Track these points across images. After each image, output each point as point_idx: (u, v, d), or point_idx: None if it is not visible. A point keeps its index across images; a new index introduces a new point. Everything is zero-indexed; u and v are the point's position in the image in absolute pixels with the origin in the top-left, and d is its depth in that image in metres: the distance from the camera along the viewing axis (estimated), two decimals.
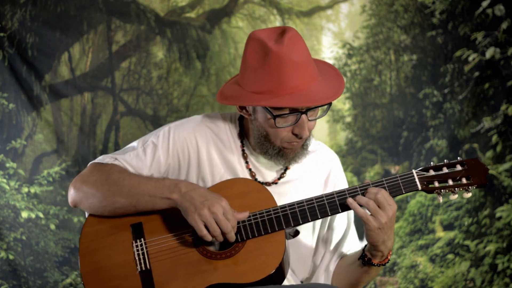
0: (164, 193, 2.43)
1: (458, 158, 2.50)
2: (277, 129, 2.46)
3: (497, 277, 4.81)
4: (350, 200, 2.42)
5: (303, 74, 2.40)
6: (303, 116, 2.43)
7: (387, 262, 2.53)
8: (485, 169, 2.47)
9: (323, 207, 2.45)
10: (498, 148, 4.82)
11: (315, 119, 2.49)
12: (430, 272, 4.90)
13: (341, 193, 2.46)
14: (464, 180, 2.46)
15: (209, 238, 2.38)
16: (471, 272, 4.85)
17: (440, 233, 4.92)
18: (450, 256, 4.89)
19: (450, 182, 2.46)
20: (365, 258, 2.51)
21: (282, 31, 2.44)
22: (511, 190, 4.80)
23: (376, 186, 2.46)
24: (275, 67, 2.38)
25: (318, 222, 2.66)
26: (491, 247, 4.81)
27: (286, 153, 2.52)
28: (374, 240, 2.43)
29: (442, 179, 2.47)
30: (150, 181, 2.47)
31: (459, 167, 2.47)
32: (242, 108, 2.54)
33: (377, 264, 2.50)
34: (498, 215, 4.81)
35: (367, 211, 2.42)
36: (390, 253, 2.52)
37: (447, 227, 4.91)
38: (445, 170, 2.47)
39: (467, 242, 4.87)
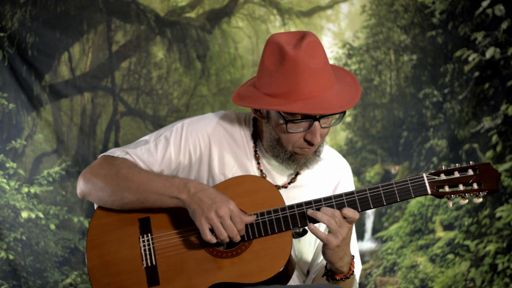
0: (173, 192, 2.42)
1: (471, 162, 2.47)
2: (289, 134, 2.44)
3: (497, 277, 4.81)
4: (312, 219, 2.40)
5: (319, 80, 2.38)
6: (316, 123, 2.41)
7: (351, 274, 2.49)
8: (497, 174, 2.44)
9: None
10: (498, 148, 4.82)
11: (329, 127, 2.46)
12: (430, 272, 4.90)
13: (350, 196, 2.44)
14: (475, 186, 2.43)
15: (213, 241, 2.37)
16: (471, 272, 4.85)
17: (440, 233, 4.92)
18: (450, 256, 4.88)
19: (461, 187, 2.43)
20: (328, 273, 2.49)
21: (302, 36, 2.42)
22: (511, 190, 4.80)
23: (385, 189, 2.43)
24: (291, 71, 2.36)
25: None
26: (491, 247, 4.81)
27: (297, 158, 2.51)
28: (331, 258, 2.41)
29: (453, 183, 2.44)
30: (160, 179, 2.46)
31: (470, 172, 2.44)
32: (256, 110, 2.52)
33: (340, 279, 2.47)
34: (498, 215, 4.81)
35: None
36: (353, 264, 2.48)
37: (447, 227, 4.91)
38: (456, 174, 2.44)
39: (467, 242, 4.87)
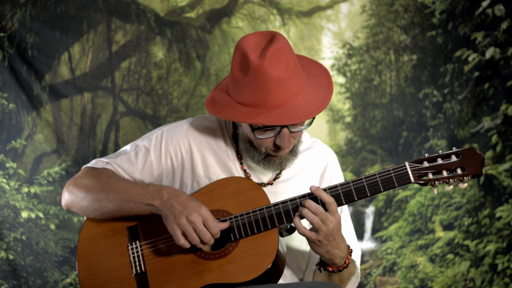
0: (147, 199, 2.43)
1: (454, 148, 2.43)
2: (258, 139, 2.45)
3: (497, 277, 4.81)
4: (297, 215, 2.39)
5: (285, 89, 2.36)
6: (284, 129, 2.41)
7: (345, 267, 2.47)
8: (481, 158, 2.40)
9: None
10: (498, 148, 4.82)
11: (300, 130, 2.45)
12: (430, 272, 4.90)
13: (333, 189, 2.43)
14: (459, 171, 2.39)
15: (187, 246, 2.38)
16: (471, 272, 4.85)
17: (440, 233, 4.92)
18: (450, 256, 4.89)
19: (445, 174, 2.40)
20: (321, 263, 2.48)
21: (269, 41, 2.39)
22: (511, 190, 4.80)
23: (369, 180, 2.41)
24: (255, 82, 2.35)
25: None
26: (491, 247, 4.81)
27: (272, 159, 2.51)
28: (317, 251, 2.41)
29: (437, 170, 2.40)
30: (135, 187, 2.47)
31: (454, 158, 2.40)
32: None
33: (332, 270, 2.46)
34: (498, 215, 4.81)
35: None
36: (348, 259, 2.46)
37: (447, 227, 4.91)
38: (440, 161, 2.41)
39: (467, 242, 4.87)
